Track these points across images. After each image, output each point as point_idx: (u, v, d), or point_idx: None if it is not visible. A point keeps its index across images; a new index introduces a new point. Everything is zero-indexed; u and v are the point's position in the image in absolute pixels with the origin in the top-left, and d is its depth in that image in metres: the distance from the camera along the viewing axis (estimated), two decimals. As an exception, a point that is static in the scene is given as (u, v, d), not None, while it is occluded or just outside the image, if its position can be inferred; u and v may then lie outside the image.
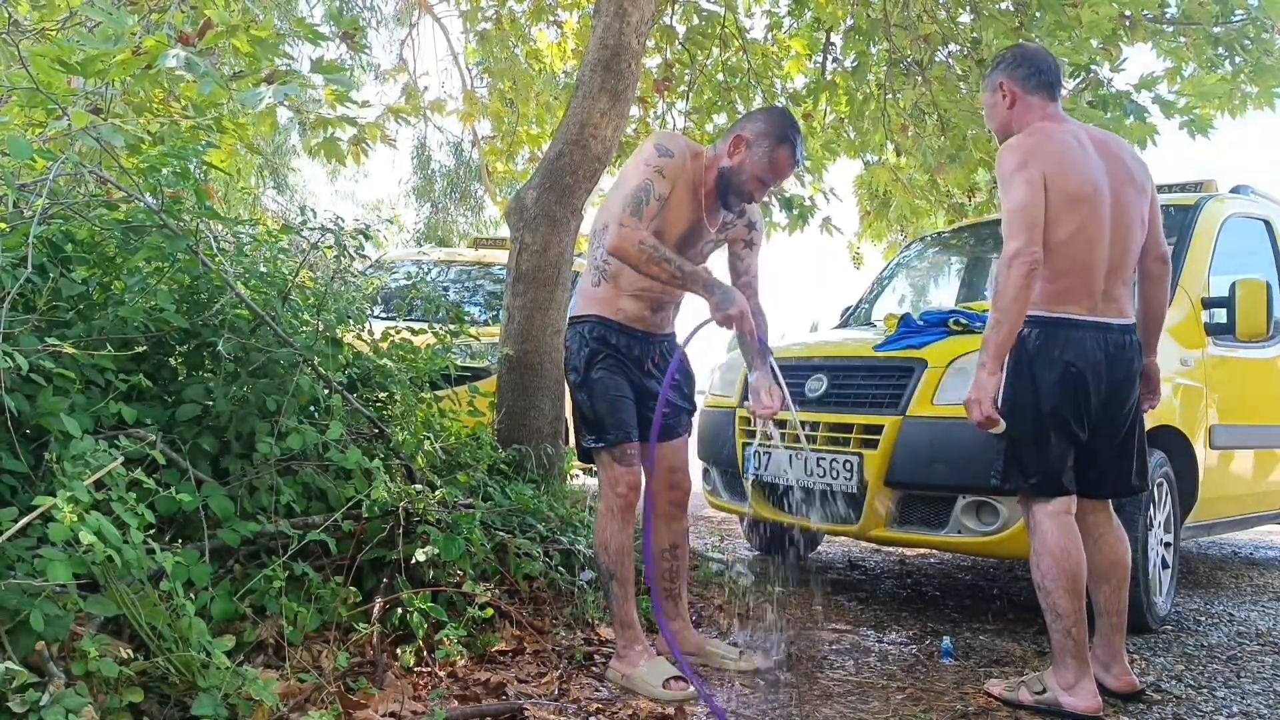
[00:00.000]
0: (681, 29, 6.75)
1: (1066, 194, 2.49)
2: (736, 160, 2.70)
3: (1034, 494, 2.57)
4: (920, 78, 5.90)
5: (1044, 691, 2.57)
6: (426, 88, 7.91)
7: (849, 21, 6.19)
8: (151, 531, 1.93)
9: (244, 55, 3.12)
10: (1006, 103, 2.70)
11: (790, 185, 7.07)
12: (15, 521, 1.78)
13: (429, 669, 2.48)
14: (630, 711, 2.40)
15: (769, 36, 7.07)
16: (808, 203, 6.81)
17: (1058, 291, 2.53)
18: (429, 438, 3.12)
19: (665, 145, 2.66)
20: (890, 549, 5.14)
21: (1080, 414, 2.55)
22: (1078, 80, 5.30)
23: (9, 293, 2.06)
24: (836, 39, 6.60)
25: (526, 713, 2.29)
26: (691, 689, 2.55)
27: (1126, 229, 2.61)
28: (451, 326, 3.66)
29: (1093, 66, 5.23)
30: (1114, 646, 2.70)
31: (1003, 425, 2.53)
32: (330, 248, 3.01)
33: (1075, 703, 2.51)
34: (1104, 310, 2.58)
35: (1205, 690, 2.81)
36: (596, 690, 2.56)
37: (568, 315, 2.92)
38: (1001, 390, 2.55)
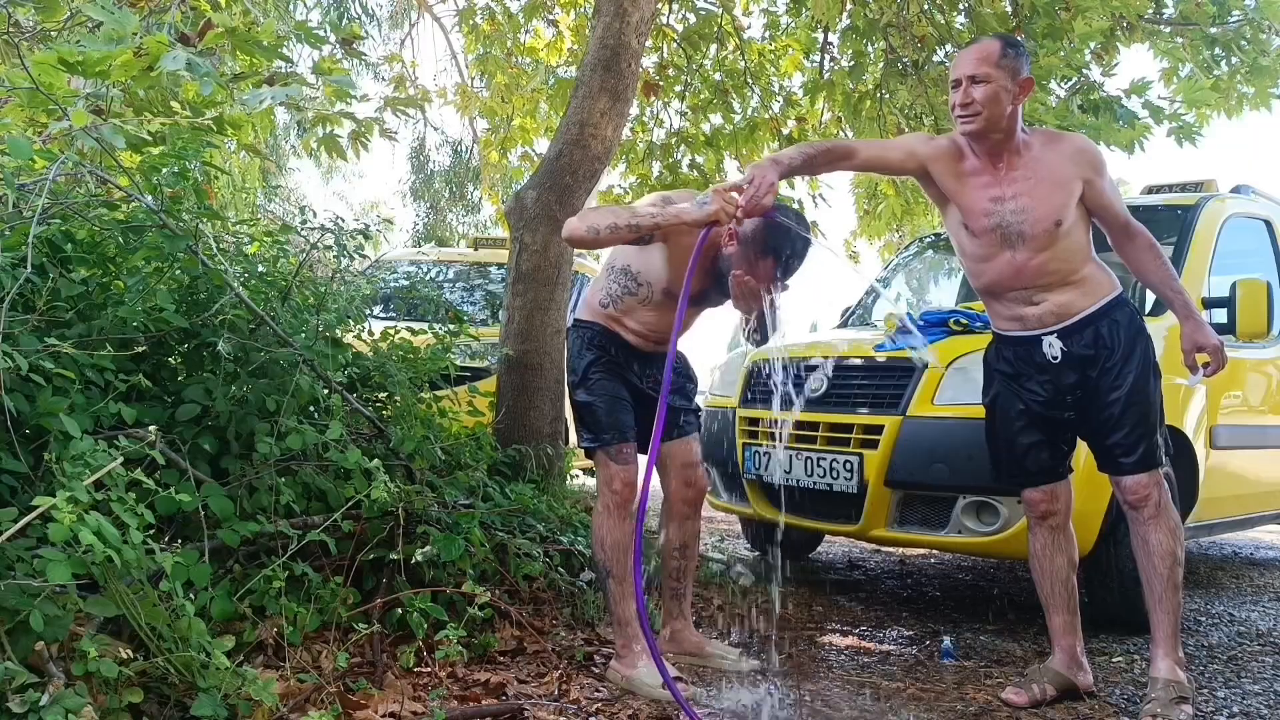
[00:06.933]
0: (679, 28, 6.74)
1: None
2: (728, 251, 2.53)
3: None
4: (915, 78, 5.89)
5: None
6: (417, 77, 7.85)
7: (845, 20, 6.19)
8: (151, 532, 1.92)
9: (243, 58, 3.12)
10: (1024, 97, 2.50)
11: (783, 189, 7.04)
12: (15, 521, 1.77)
13: (429, 669, 2.47)
14: (630, 712, 2.39)
15: (766, 35, 7.07)
16: (796, 205, 6.81)
17: None
18: (429, 438, 3.12)
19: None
20: (890, 549, 5.14)
21: None
22: (1070, 84, 5.29)
23: (9, 293, 2.06)
24: (834, 38, 6.60)
25: (526, 713, 2.29)
26: (692, 689, 2.56)
27: None
28: (451, 327, 3.66)
29: (1084, 70, 5.23)
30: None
31: None
32: (329, 248, 3.01)
33: None
34: None
35: (1205, 690, 2.81)
36: (596, 690, 2.55)
37: (573, 317, 2.92)
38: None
